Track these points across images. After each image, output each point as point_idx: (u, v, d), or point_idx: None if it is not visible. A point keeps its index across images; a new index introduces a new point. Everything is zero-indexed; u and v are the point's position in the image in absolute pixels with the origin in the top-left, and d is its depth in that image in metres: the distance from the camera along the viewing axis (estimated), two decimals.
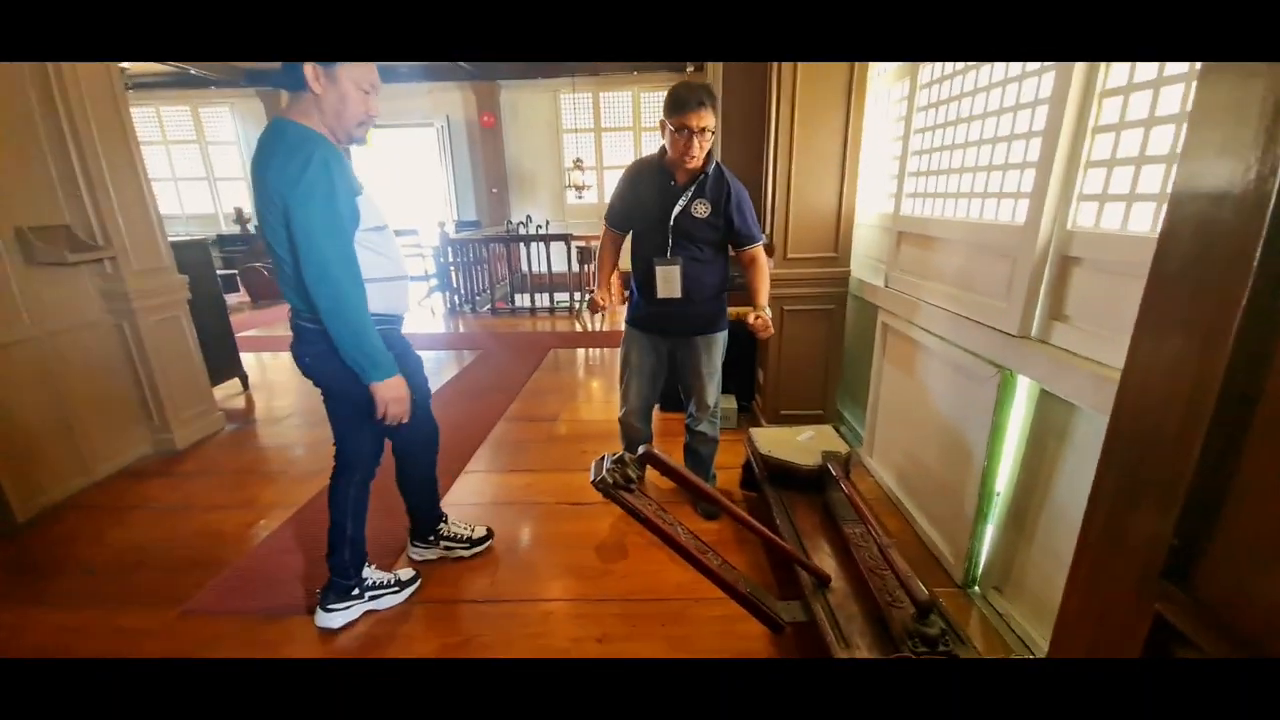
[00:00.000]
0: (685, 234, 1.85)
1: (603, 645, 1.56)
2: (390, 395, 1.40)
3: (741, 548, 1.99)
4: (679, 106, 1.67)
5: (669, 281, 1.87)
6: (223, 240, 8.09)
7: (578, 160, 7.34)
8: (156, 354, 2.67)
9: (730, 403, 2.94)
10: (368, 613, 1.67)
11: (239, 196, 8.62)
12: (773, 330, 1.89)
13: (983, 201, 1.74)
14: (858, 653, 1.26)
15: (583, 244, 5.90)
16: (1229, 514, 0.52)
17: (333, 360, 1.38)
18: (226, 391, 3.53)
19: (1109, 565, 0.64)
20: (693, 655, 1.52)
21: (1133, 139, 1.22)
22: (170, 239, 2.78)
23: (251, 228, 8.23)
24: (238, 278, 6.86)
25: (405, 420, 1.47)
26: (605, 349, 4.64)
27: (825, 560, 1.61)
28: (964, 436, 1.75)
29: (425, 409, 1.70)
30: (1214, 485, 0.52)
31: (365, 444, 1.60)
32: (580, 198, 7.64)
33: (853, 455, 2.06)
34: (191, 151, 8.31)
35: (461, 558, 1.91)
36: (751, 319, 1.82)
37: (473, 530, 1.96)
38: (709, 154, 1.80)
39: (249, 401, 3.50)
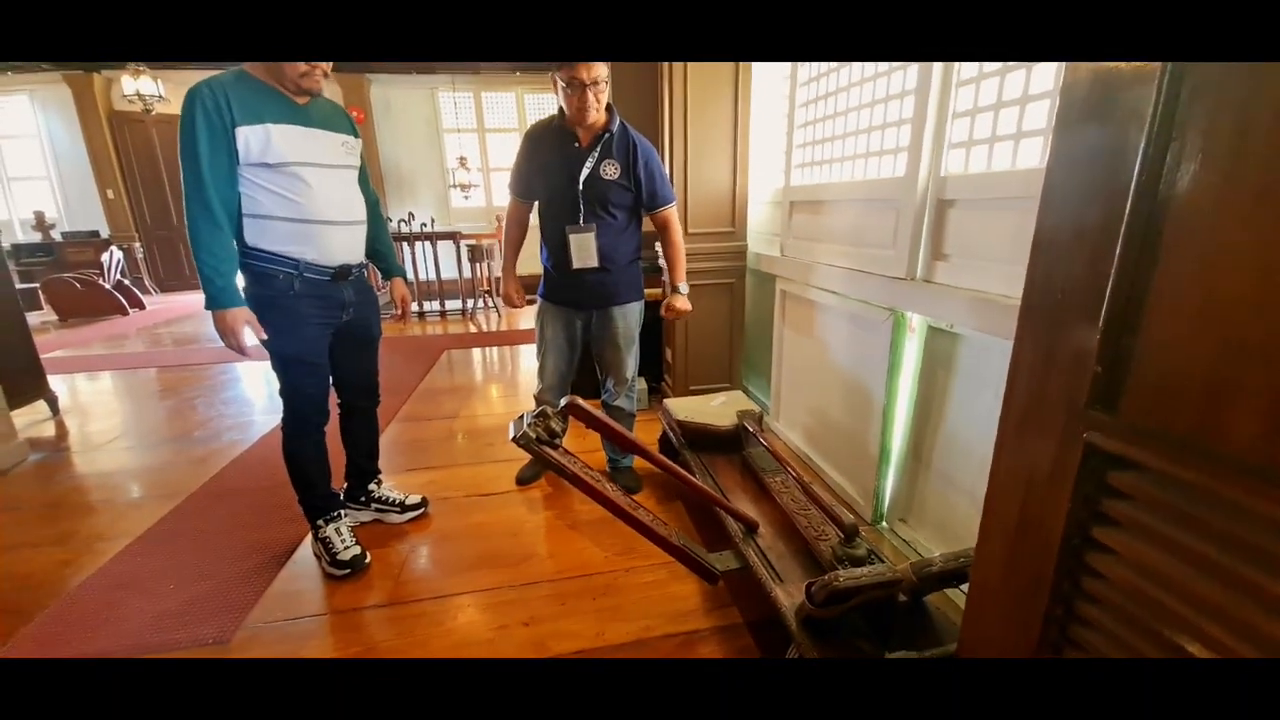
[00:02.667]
0: (598, 199, 1.77)
1: (530, 628, 1.43)
2: (219, 326, 1.41)
3: (667, 516, 1.95)
4: None
5: (584, 249, 1.79)
6: (19, 250, 6.71)
7: (462, 158, 7.01)
8: None
9: (641, 384, 2.91)
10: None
11: (40, 199, 7.19)
12: (687, 307, 1.98)
13: (866, 161, 1.87)
14: (791, 586, 1.27)
15: (473, 242, 5.61)
16: (1148, 329, 0.55)
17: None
18: (31, 417, 2.92)
19: (1036, 413, 0.67)
20: (626, 622, 1.44)
21: (990, 87, 1.36)
22: None
23: (56, 235, 6.91)
24: (39, 292, 5.68)
25: (241, 353, 1.46)
26: (507, 347, 4.43)
27: (750, 509, 1.61)
28: (864, 382, 1.86)
29: (367, 368, 1.79)
30: (1130, 304, 0.56)
31: (291, 389, 1.58)
32: (467, 198, 7.31)
33: (763, 416, 2.11)
34: None
35: (393, 523, 1.93)
36: (664, 310, 1.98)
37: (406, 496, 1.96)
38: (612, 110, 1.75)
39: (60, 427, 2.88)
